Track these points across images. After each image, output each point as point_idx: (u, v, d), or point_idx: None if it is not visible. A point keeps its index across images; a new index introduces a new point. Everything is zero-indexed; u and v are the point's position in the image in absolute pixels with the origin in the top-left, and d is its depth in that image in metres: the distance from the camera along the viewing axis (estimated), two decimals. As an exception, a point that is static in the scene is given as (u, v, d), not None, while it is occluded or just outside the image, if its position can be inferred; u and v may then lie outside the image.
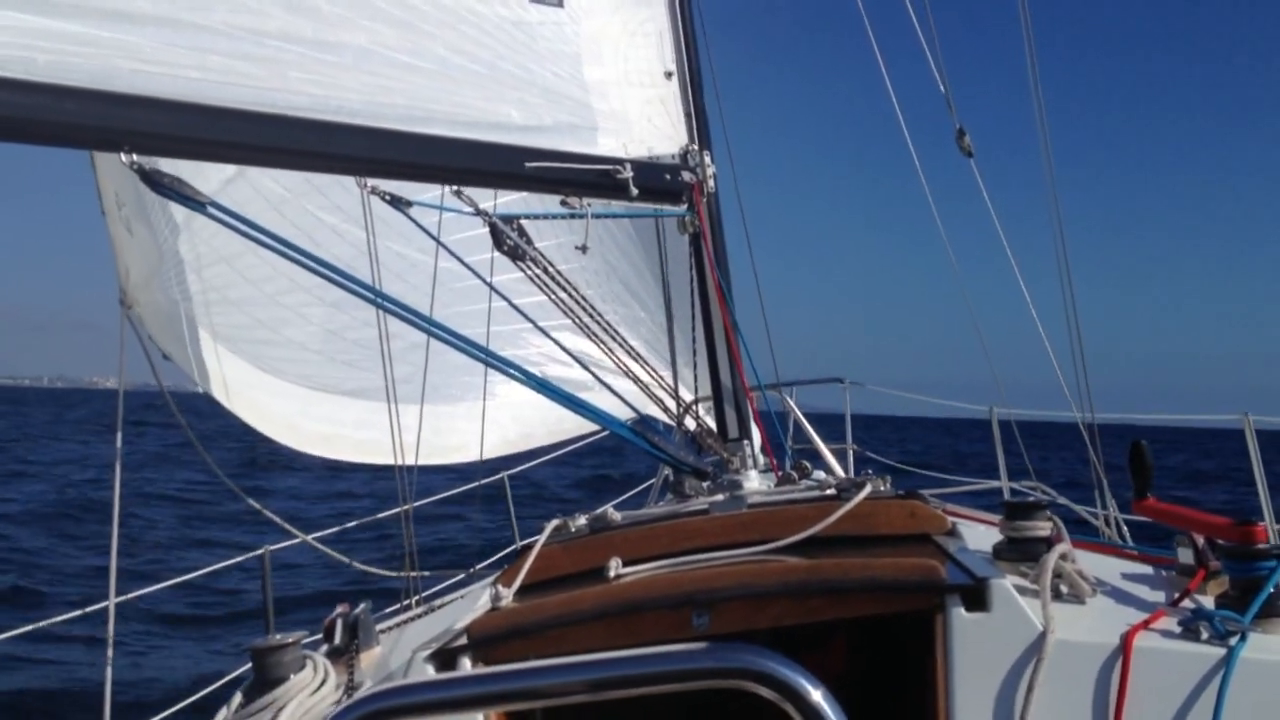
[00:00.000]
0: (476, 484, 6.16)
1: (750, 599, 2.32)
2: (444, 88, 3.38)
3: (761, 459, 3.87)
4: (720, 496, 3.25)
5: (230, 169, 4.57)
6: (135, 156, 2.75)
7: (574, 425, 6.02)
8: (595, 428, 5.15)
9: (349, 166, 3.27)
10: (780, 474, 3.71)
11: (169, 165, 3.53)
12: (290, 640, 2.38)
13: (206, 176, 4.44)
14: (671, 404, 3.92)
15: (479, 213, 3.51)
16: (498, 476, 6.75)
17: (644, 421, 3.81)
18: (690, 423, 3.85)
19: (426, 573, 4.56)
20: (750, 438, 3.81)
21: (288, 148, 2.97)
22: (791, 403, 4.21)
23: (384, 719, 1.31)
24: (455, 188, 3.55)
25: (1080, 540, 2.89)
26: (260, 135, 2.92)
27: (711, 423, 3.91)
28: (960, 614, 2.17)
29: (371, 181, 3.52)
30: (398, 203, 3.50)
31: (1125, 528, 4.77)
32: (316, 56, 3.09)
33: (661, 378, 3.98)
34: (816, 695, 1.28)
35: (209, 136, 2.84)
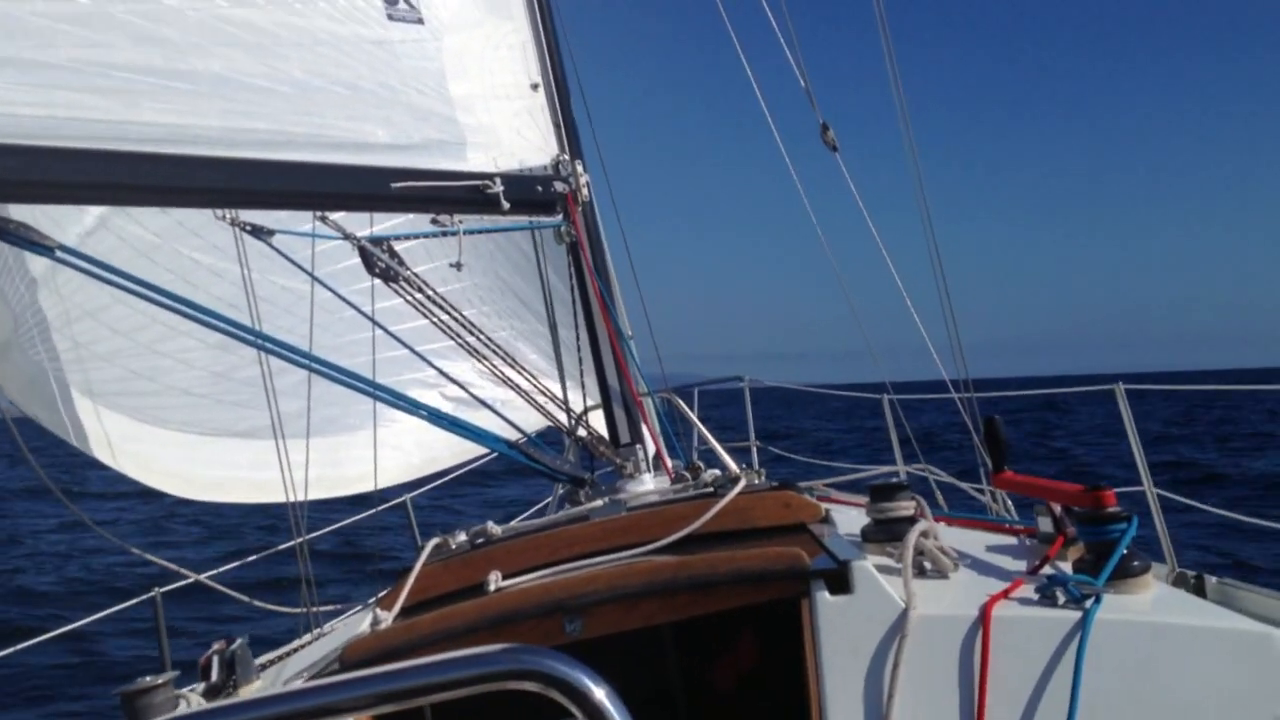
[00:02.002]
0: (371, 510, 6.09)
1: (620, 600, 2.33)
2: (305, 110, 3.35)
3: (658, 462, 3.89)
4: (600, 502, 3.27)
5: (90, 219, 4.44)
6: None
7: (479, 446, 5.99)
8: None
9: (207, 199, 3.22)
10: (674, 475, 3.74)
11: (24, 213, 3.46)
12: (160, 681, 2.33)
13: (64, 229, 4.32)
14: (561, 416, 3.93)
15: (346, 237, 3.48)
16: (398, 501, 6.69)
17: (531, 439, 3.81)
18: (582, 432, 3.87)
19: (327, 606, 4.50)
20: (642, 442, 3.82)
21: (141, 184, 2.91)
22: (682, 404, 4.22)
23: None
24: (321, 214, 3.52)
25: (950, 516, 2.95)
26: (111, 172, 2.85)
27: (604, 430, 3.92)
28: (825, 598, 2.20)
29: (233, 213, 3.48)
30: (259, 233, 3.46)
31: (1010, 502, 4.88)
32: (169, 85, 3.04)
33: (549, 391, 3.98)
34: (600, 694, 1.28)
35: (57, 178, 2.76)
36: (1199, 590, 5.12)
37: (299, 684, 1.33)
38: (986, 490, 5.03)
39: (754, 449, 7.45)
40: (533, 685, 1.27)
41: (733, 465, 3.47)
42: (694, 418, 4.12)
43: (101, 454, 4.88)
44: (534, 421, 4.14)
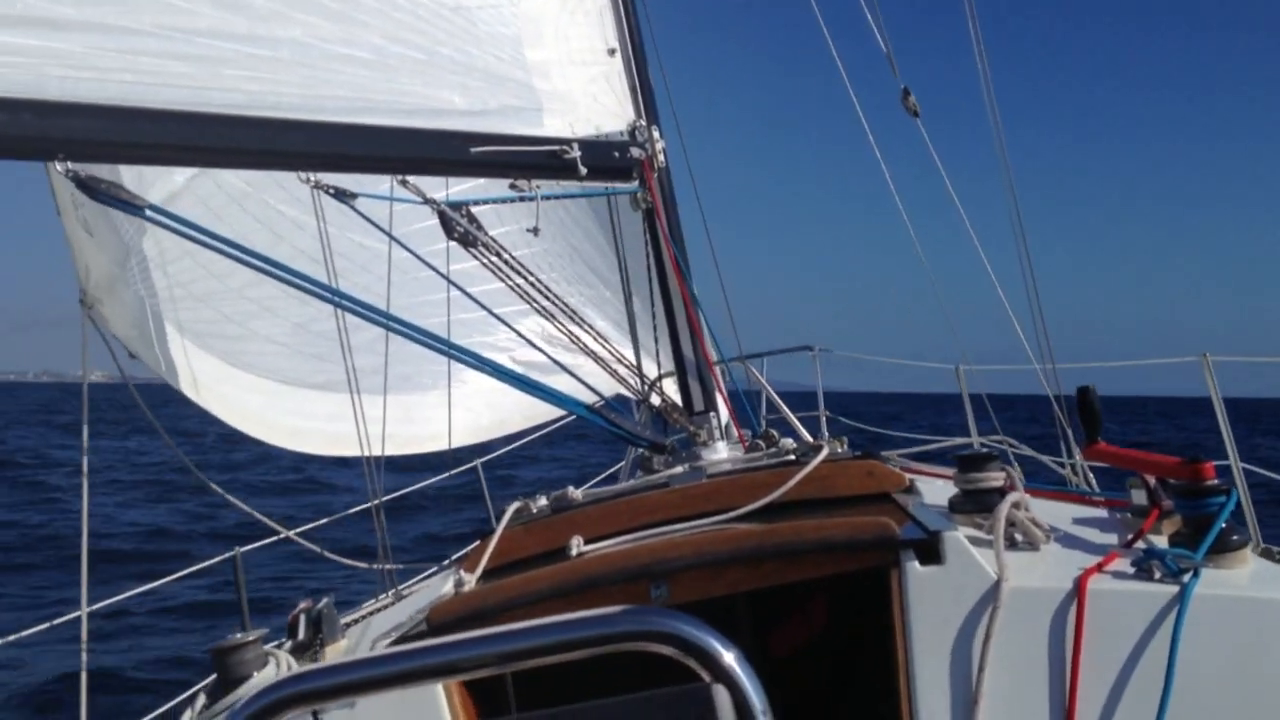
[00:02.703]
0: (446, 475, 6.15)
1: (706, 567, 2.32)
2: (383, 77, 3.36)
3: (731, 431, 3.87)
4: (680, 469, 3.26)
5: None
6: (71, 164, 2.73)
7: (549, 409, 6.00)
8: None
9: (289, 162, 3.25)
10: (747, 444, 3.72)
11: (121, 169, 3.53)
12: (251, 638, 2.38)
13: (171, 175, 4.45)
14: (635, 382, 3.92)
15: (426, 201, 3.49)
16: (470, 465, 6.75)
17: (609, 403, 3.81)
18: (655, 399, 3.86)
19: (400, 565, 4.55)
20: (716, 410, 3.80)
21: (224, 147, 2.95)
22: (758, 374, 4.20)
23: (296, 704, 1.31)
24: (401, 177, 3.53)
25: (1036, 488, 2.90)
26: (196, 136, 2.89)
27: (677, 397, 3.91)
28: (915, 568, 2.18)
29: (316, 175, 3.50)
30: (342, 196, 3.48)
31: (1091, 475, 4.79)
32: (250, 52, 3.06)
33: (625, 357, 3.97)
34: (729, 657, 1.28)
35: (144, 140, 2.81)
36: None
37: (428, 640, 1.35)
38: (1066, 464, 4.96)
39: (823, 419, 7.39)
40: (665, 648, 1.28)
41: (805, 433, 3.44)
42: (767, 385, 4.10)
43: (189, 390, 5.02)
44: (605, 388, 4.15)
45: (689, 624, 1.29)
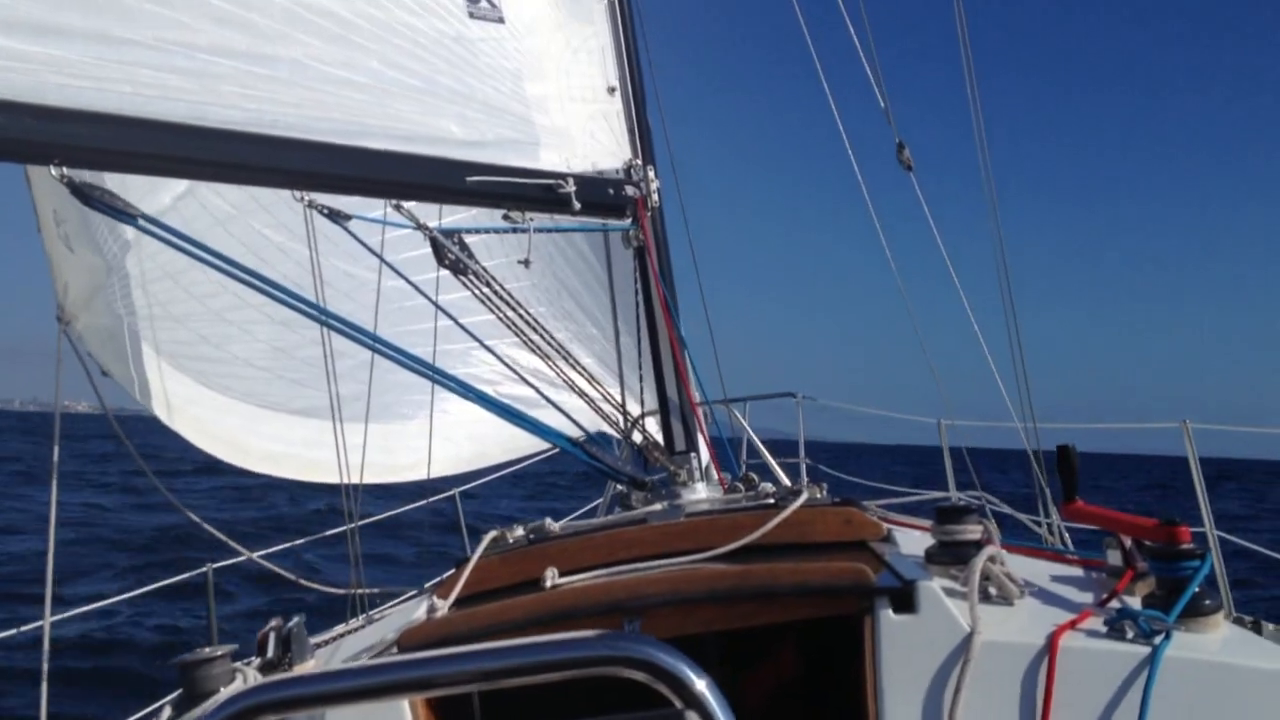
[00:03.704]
0: (424, 501, 6.13)
1: (681, 605, 2.31)
2: (380, 102, 3.37)
3: (711, 472, 3.87)
4: (659, 506, 3.25)
5: (182, 186, 4.56)
6: (65, 170, 2.74)
7: (528, 443, 6.00)
8: (550, 444, 5.15)
9: (283, 180, 3.26)
10: (727, 486, 3.71)
11: (117, 181, 3.53)
12: (220, 653, 2.35)
13: (157, 193, 4.45)
14: (619, 418, 3.92)
15: (419, 227, 3.50)
16: (448, 494, 6.73)
17: (592, 438, 3.80)
18: (637, 436, 3.85)
19: (374, 590, 4.52)
20: (697, 450, 3.80)
21: (220, 161, 2.95)
22: (741, 418, 4.20)
23: (262, 713, 1.29)
24: (395, 202, 3.54)
25: (1012, 544, 2.90)
26: (192, 149, 2.90)
27: (659, 436, 3.91)
28: (889, 616, 2.18)
29: (309, 195, 3.50)
30: (336, 216, 3.49)
31: (1067, 535, 4.81)
32: (249, 70, 3.07)
33: (609, 393, 3.97)
34: (701, 685, 1.28)
35: (140, 149, 2.81)
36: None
37: (402, 656, 1.34)
38: (1043, 522, 4.97)
39: (803, 465, 7.41)
40: (637, 673, 1.27)
41: (784, 477, 3.44)
42: (749, 429, 4.10)
43: (161, 411, 4.99)
44: (588, 424, 4.14)
45: (662, 650, 1.29)
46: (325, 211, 3.47)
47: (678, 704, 1.27)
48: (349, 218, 3.52)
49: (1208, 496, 5.31)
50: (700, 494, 3.52)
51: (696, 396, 3.97)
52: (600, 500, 6.83)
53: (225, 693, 2.30)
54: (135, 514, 21.28)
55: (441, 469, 5.83)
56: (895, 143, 4.72)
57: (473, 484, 6.70)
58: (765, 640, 3.19)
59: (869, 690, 2.13)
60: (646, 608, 2.31)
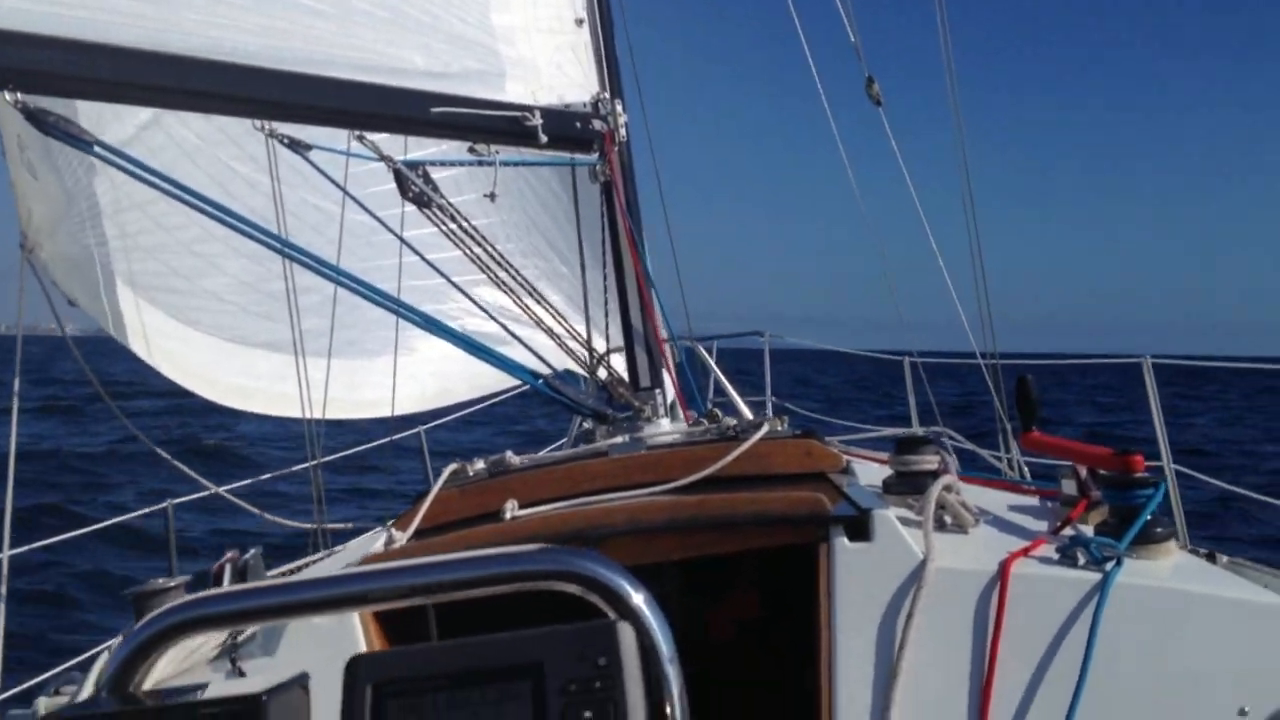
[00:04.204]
0: (387, 439, 6.12)
1: (640, 534, 2.33)
2: (344, 30, 3.33)
3: (677, 408, 3.88)
4: (621, 439, 3.26)
5: (145, 115, 4.48)
6: (20, 95, 2.69)
7: (494, 380, 5.97)
8: (516, 382, 5.14)
9: (243, 108, 3.21)
10: (692, 420, 3.73)
11: (90, 109, 3.46)
12: (173, 585, 2.35)
13: (122, 121, 4.37)
14: (584, 354, 3.92)
15: (382, 158, 3.46)
16: (414, 431, 6.72)
17: (558, 374, 3.80)
18: (603, 373, 3.86)
19: (338, 525, 4.52)
20: (662, 386, 3.81)
21: (180, 88, 2.92)
22: (705, 353, 4.21)
23: (196, 628, 1.29)
24: (358, 133, 3.50)
25: (970, 475, 2.94)
26: (152, 75, 2.86)
27: (625, 372, 3.91)
28: (844, 544, 2.20)
29: (270, 124, 3.46)
30: (296, 146, 3.44)
31: (1026, 468, 4.87)
32: (212, -4, 3.03)
33: (574, 329, 3.97)
34: (638, 598, 1.28)
35: (98, 75, 2.78)
36: None
37: (337, 570, 1.34)
38: (1003, 457, 5.03)
39: (769, 404, 7.45)
40: (572, 586, 1.27)
41: (746, 410, 3.45)
42: (713, 365, 4.11)
43: (137, 346, 4.94)
44: (555, 361, 4.14)
45: (600, 563, 1.29)
46: (285, 141, 3.43)
47: (613, 616, 1.27)
48: (310, 148, 3.48)
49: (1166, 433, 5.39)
50: (665, 429, 3.53)
51: (663, 333, 3.97)
52: (564, 440, 6.85)
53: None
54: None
55: (407, 406, 5.81)
56: (865, 77, 4.70)
57: (438, 421, 6.69)
58: (728, 575, 3.23)
59: (823, 616, 2.16)
60: (604, 537, 2.32)
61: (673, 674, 1.28)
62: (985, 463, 4.96)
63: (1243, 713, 2.03)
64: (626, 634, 1.26)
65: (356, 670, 1.22)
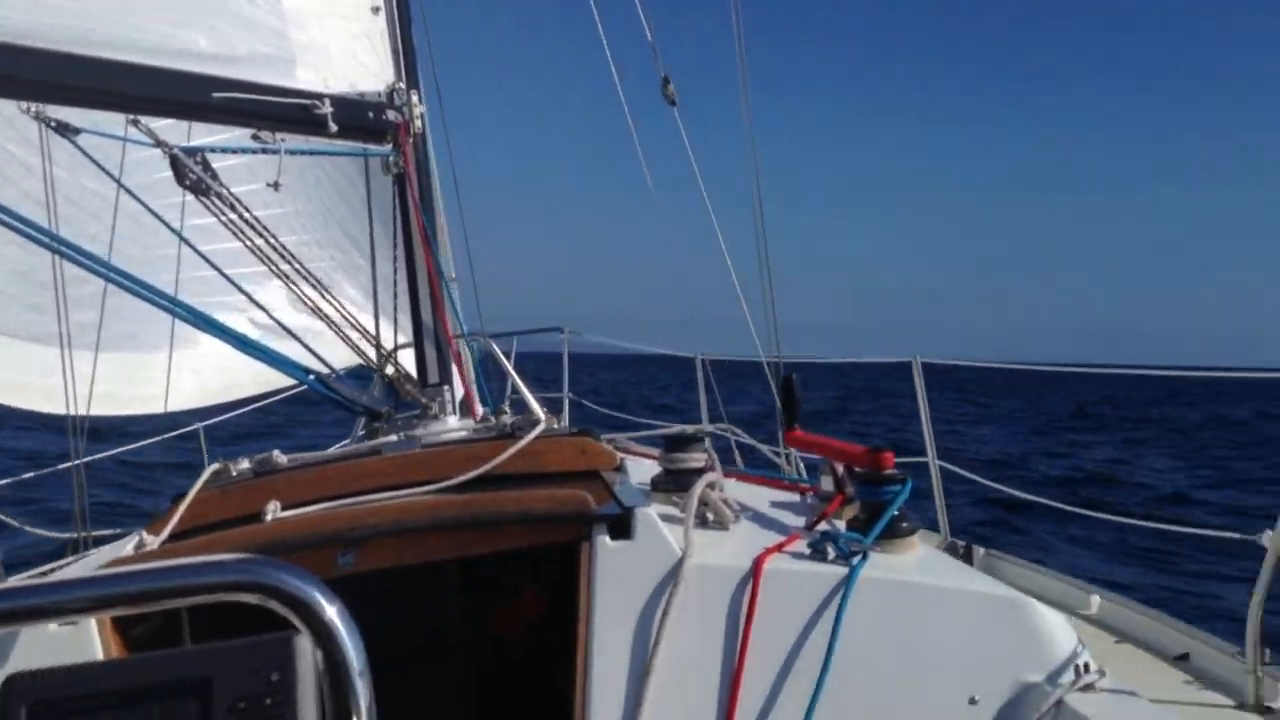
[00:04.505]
0: (160, 437, 5.89)
1: (402, 535, 2.31)
2: (122, 8, 3.19)
3: (476, 406, 3.87)
4: (394, 438, 3.22)
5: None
6: None
7: (281, 375, 5.82)
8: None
9: (9, 88, 3.04)
10: (479, 418, 3.72)
11: None
12: None
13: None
14: (371, 351, 3.86)
15: (158, 144, 3.33)
16: (193, 428, 6.48)
17: (335, 373, 3.73)
18: (391, 369, 3.80)
19: (103, 531, 4.31)
20: (450, 383, 3.78)
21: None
22: (495, 347, 4.20)
23: None
24: (133, 117, 3.36)
25: (741, 472, 3.03)
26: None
27: (414, 369, 3.87)
28: (605, 542, 2.23)
29: (37, 106, 3.29)
30: (65, 130, 3.28)
31: (803, 464, 5.03)
32: (-27, -32, 2.86)
33: (360, 324, 3.90)
34: (330, 611, 1.21)
35: None
36: (966, 560, 5.42)
37: (11, 584, 1.26)
38: (782, 453, 5.19)
39: (566, 400, 7.50)
40: (253, 598, 1.19)
41: (538, 409, 3.47)
42: (505, 361, 4.10)
43: None
44: (346, 357, 4.06)
45: (290, 574, 1.21)
46: (53, 125, 3.27)
47: (304, 630, 1.20)
48: (78, 131, 3.32)
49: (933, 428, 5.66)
50: (451, 426, 3.51)
51: (454, 329, 3.94)
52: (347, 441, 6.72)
53: None
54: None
55: (188, 401, 5.60)
56: (660, 76, 4.76)
57: (221, 417, 6.46)
58: (520, 573, 3.24)
59: (583, 614, 2.19)
60: (364, 539, 2.29)
61: (362, 688, 1.22)
62: (766, 459, 5.10)
63: (973, 701, 2.15)
64: (303, 647, 1.21)
65: (10, 690, 1.15)
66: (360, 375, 3.98)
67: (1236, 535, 3.89)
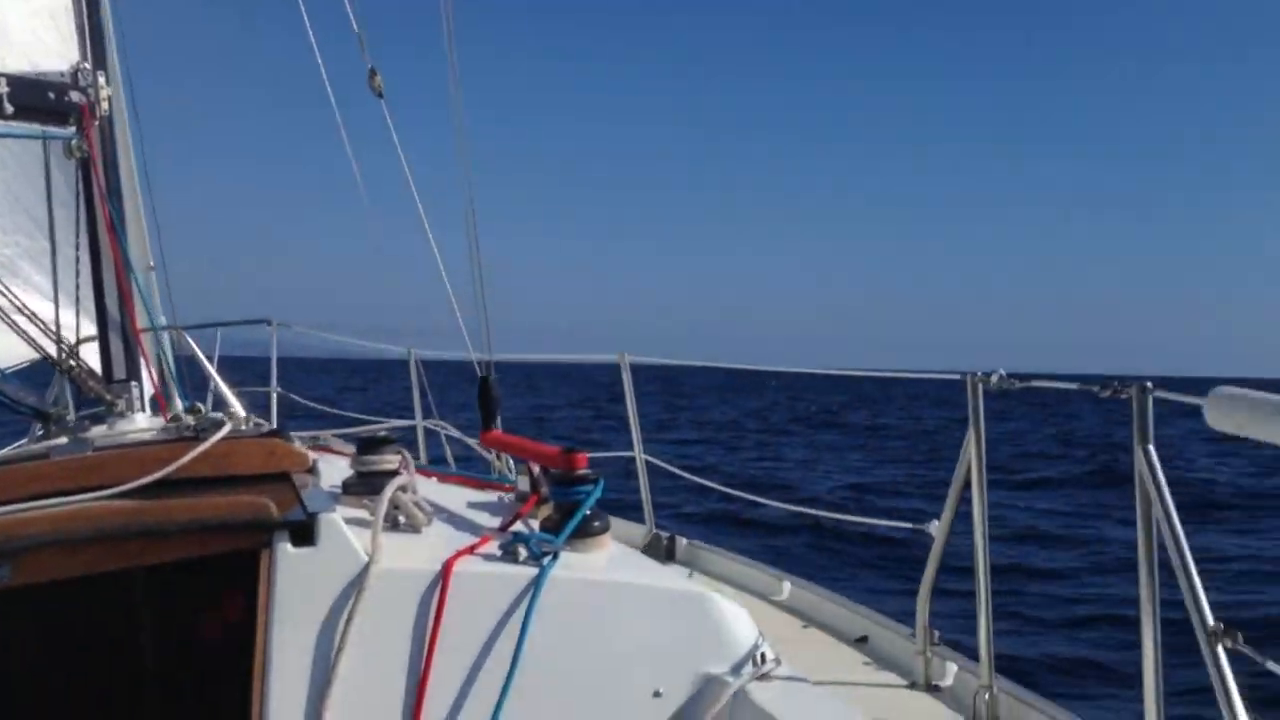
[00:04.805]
0: None
1: (63, 546, 2.17)
2: None
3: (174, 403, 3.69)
4: (63, 440, 3.01)
5: None
6: None
7: None
8: None
9: None
10: (170, 416, 3.54)
11: None
12: None
13: None
14: (50, 345, 3.61)
15: None
16: None
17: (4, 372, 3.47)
18: (72, 364, 3.57)
19: None
20: (139, 379, 3.59)
21: None
22: (190, 340, 4.02)
23: None
24: None
25: (441, 472, 3.01)
26: None
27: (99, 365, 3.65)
28: (287, 549, 2.17)
29: None
30: None
31: (512, 463, 5.07)
32: None
33: (38, 317, 3.64)
34: None
35: None
36: (670, 551, 5.60)
37: None
38: (493, 451, 5.21)
39: (274, 395, 7.27)
40: None
41: (238, 406, 3.34)
42: (200, 354, 3.93)
43: None
44: (24, 352, 3.78)
45: None
46: None
47: None
48: None
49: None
50: (138, 425, 3.33)
51: (145, 322, 3.74)
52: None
53: None
54: None
55: None
56: (367, 68, 4.66)
57: None
58: (221, 574, 3.11)
59: (261, 625, 2.12)
60: (20, 550, 2.14)
61: None
62: (481, 456, 5.10)
63: (657, 694, 2.23)
64: None
65: None
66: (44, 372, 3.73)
67: (909, 525, 4.17)
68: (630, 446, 5.91)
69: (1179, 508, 2.31)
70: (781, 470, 24.18)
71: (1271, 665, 2.02)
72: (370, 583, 2.12)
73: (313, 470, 2.71)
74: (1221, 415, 1.95)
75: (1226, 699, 2.09)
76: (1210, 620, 2.13)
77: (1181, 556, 2.23)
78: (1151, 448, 2.40)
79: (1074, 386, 2.88)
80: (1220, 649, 2.10)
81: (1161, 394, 2.42)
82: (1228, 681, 2.09)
